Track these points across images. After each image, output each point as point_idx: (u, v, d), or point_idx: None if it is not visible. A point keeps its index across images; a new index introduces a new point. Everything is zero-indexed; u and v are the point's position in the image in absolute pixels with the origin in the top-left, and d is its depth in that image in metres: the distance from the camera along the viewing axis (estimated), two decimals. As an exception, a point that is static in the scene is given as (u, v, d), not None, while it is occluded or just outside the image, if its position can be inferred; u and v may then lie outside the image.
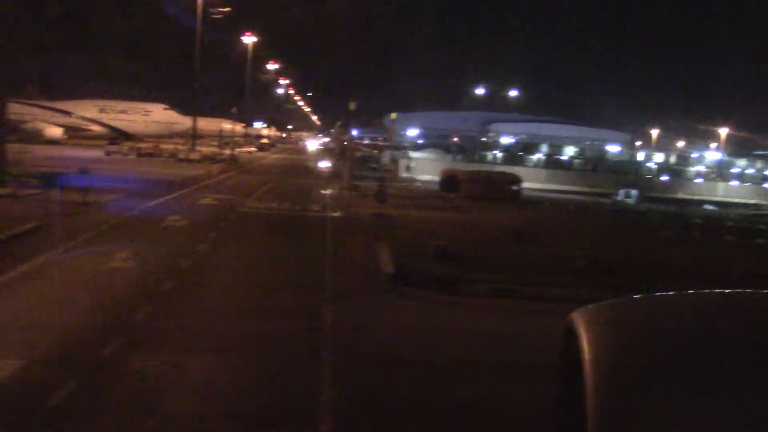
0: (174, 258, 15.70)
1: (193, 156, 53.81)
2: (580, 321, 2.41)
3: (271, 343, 10.45)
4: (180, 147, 60.74)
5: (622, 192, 41.36)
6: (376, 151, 76.76)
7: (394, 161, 57.55)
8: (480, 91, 76.42)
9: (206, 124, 76.54)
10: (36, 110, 71.10)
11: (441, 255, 17.97)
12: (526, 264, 18.00)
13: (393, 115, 50.73)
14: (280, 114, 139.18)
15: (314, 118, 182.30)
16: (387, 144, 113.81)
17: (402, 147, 62.92)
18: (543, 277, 16.48)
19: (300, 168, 56.85)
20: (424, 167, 51.92)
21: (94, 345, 9.51)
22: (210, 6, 58.78)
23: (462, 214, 27.96)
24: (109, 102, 73.99)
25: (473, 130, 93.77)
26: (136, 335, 10.21)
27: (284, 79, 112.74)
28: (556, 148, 75.10)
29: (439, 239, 19.43)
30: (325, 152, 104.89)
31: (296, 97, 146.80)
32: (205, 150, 59.90)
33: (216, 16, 63.00)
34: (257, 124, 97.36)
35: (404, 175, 50.71)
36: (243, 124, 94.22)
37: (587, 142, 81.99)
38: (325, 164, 52.50)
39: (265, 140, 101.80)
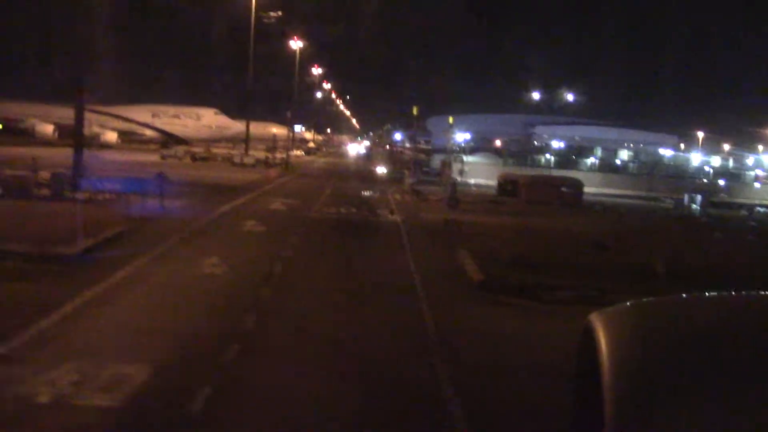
0: (263, 264, 15.84)
1: (248, 160, 54.40)
2: (598, 322, 2.42)
3: (382, 350, 10.48)
4: (233, 151, 61.44)
5: (686, 197, 40.64)
6: (423, 155, 76.77)
7: (446, 165, 57.37)
8: (535, 95, 75.62)
9: (254, 128, 77.40)
10: (91, 115, 72.65)
11: (519, 262, 17.86)
12: (606, 271, 17.75)
13: (450, 119, 50.53)
14: (320, 117, 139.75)
15: (353, 121, 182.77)
16: (432, 147, 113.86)
17: (453, 150, 62.65)
18: (624, 284, 16.26)
19: (352, 172, 57.00)
20: (477, 171, 51.72)
21: (214, 351, 9.62)
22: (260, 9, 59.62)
23: (528, 219, 27.73)
24: (161, 107, 75.13)
25: (517, 134, 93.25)
26: (251, 342, 10.31)
27: (326, 83, 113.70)
28: (609, 152, 74.26)
29: (513, 245, 19.34)
30: (373, 155, 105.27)
31: (337, 101, 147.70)
32: (258, 154, 60.38)
33: (267, 21, 63.82)
34: (297, 128, 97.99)
35: (458, 178, 50.55)
36: (288, 128, 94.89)
37: (640, 145, 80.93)
38: (381, 168, 52.50)
39: (311, 144, 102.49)
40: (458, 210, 27.50)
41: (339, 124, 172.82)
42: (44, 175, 25.59)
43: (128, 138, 71.75)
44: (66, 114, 71.50)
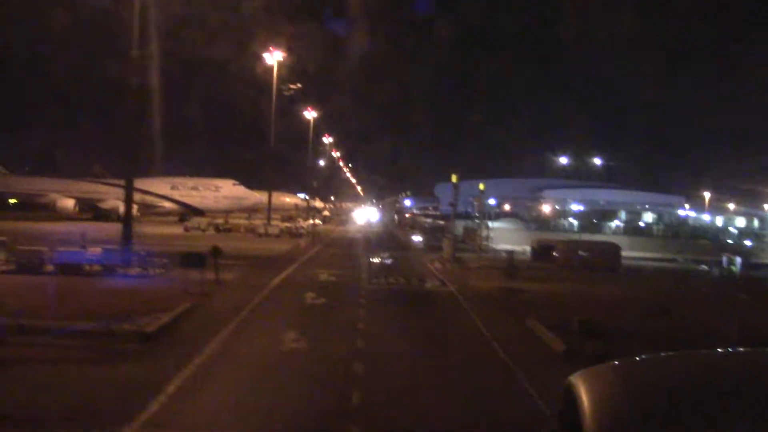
0: (341, 338, 15.65)
1: (272, 230, 54.44)
2: (580, 383, 2.49)
3: (498, 424, 10.32)
4: (255, 221, 61.61)
5: (725, 258, 40.41)
6: (443, 222, 76.86)
7: (470, 231, 57.36)
8: (563, 160, 76.27)
9: (266, 197, 77.99)
10: (110, 189, 73.27)
11: (589, 330, 17.60)
12: (676, 337, 17.50)
13: (481, 186, 50.63)
14: (330, 185, 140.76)
15: (358, 188, 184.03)
16: (440, 213, 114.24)
17: (474, 216, 62.67)
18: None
19: (377, 240, 56.89)
20: (502, 237, 51.61)
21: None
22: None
23: (576, 286, 27.54)
24: (180, 179, 75.75)
25: (525, 197, 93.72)
26: (365, 421, 10.07)
27: (335, 151, 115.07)
28: (634, 215, 74.45)
29: (576, 313, 19.09)
30: (386, 222, 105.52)
31: (345, 169, 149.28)
32: (279, 224, 60.56)
33: (287, 93, 64.95)
34: (300, 196, 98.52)
35: (483, 244, 50.46)
36: (301, 197, 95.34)
37: (658, 207, 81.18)
38: (416, 237, 52.38)
39: (326, 212, 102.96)
40: (512, 278, 27.32)
41: (342, 191, 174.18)
42: (93, 250, 25.51)
43: (147, 210, 72.06)
44: (83, 188, 72.54)
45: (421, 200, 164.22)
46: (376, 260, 31.97)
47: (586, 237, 51.73)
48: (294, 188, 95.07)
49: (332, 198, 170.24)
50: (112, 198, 71.58)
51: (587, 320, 18.13)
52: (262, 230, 54.40)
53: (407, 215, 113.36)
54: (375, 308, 20.14)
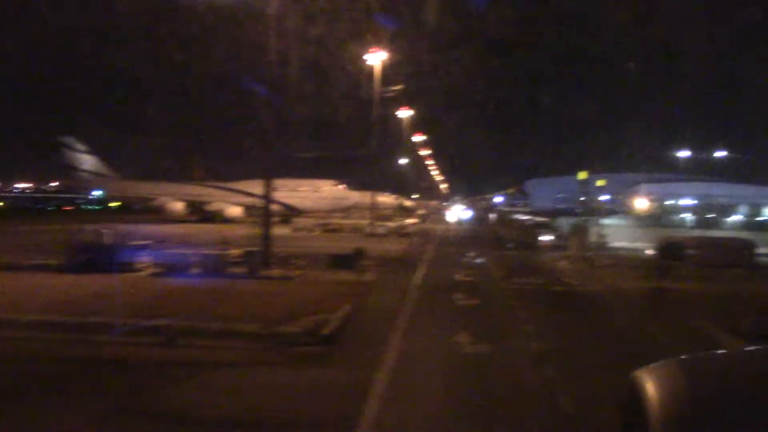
0: (515, 340, 15.29)
1: (379, 230, 54.58)
2: (646, 378, 2.51)
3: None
4: (359, 222, 62.00)
5: None
6: (544, 219, 75.47)
7: (577, 228, 55.95)
8: (684, 153, 73.73)
9: (363, 197, 78.47)
10: (215, 191, 75.40)
11: (762, 331, 16.64)
12: None
13: (601, 182, 49.22)
14: (419, 183, 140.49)
15: (442, 186, 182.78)
16: (531, 210, 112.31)
17: (581, 213, 61.11)
18: None
19: (485, 238, 56.31)
20: (618, 234, 50.06)
21: None
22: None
23: (723, 284, 26.28)
24: (281, 180, 76.86)
25: (623, 193, 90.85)
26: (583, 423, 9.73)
27: (424, 150, 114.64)
28: (754, 209, 71.06)
29: (743, 316, 18.12)
30: (479, 219, 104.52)
31: (432, 167, 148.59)
32: (386, 224, 60.71)
33: (389, 95, 64.98)
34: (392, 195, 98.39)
35: (600, 242, 49.08)
36: (395, 196, 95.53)
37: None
38: (546, 237, 51.33)
39: (422, 211, 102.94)
40: (654, 277, 26.35)
41: (426, 189, 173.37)
42: (233, 252, 26.02)
43: (251, 212, 73.67)
44: (189, 191, 74.82)
45: (509, 197, 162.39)
46: (500, 260, 31.49)
47: (706, 233, 49.66)
48: (382, 187, 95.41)
49: (415, 196, 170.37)
50: (218, 200, 73.76)
51: (762, 321, 17.20)
52: (368, 230, 54.62)
53: (499, 213, 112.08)
54: (530, 309, 19.66)
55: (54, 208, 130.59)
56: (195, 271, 24.42)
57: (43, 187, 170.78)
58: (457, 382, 12.00)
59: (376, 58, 56.94)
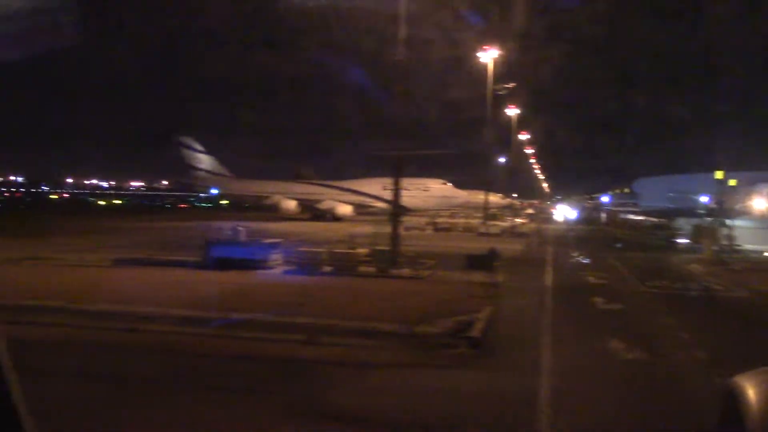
0: (673, 347, 14.63)
1: (493, 230, 53.73)
2: (747, 384, 2.47)
3: None
4: (471, 221, 61.38)
5: None
6: (662, 220, 72.59)
7: (705, 230, 53.38)
8: None
9: (469, 196, 77.71)
10: (324, 189, 76.63)
11: None
12: None
13: (719, 174, 46.71)
14: (525, 181, 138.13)
15: (544, 185, 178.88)
16: (641, 210, 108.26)
17: (706, 214, 58.32)
18: None
19: (604, 240, 54.62)
20: (748, 236, 47.39)
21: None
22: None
23: None
24: (390, 179, 77.26)
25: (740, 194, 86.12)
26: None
27: (529, 148, 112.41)
28: None
29: None
30: (588, 218, 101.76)
31: (534, 166, 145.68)
32: (499, 223, 59.84)
33: (502, 93, 64.07)
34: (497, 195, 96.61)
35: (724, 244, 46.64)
36: (501, 195, 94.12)
37: None
38: (679, 239, 49.27)
39: (530, 210, 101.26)
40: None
41: (528, 188, 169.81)
42: (361, 251, 26.18)
43: (362, 210, 74.46)
44: (301, 189, 76.29)
45: (617, 197, 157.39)
46: (626, 261, 30.38)
47: None
48: (489, 186, 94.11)
49: (514, 195, 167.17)
50: (328, 199, 74.90)
51: None
52: (482, 229, 53.87)
53: (609, 213, 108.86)
54: (679, 315, 18.81)
55: (168, 205, 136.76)
56: (326, 269, 24.75)
57: (155, 185, 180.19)
58: (627, 392, 11.50)
59: (488, 56, 56.19)
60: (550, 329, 16.03)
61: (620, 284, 24.85)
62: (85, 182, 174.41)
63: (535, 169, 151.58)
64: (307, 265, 24.79)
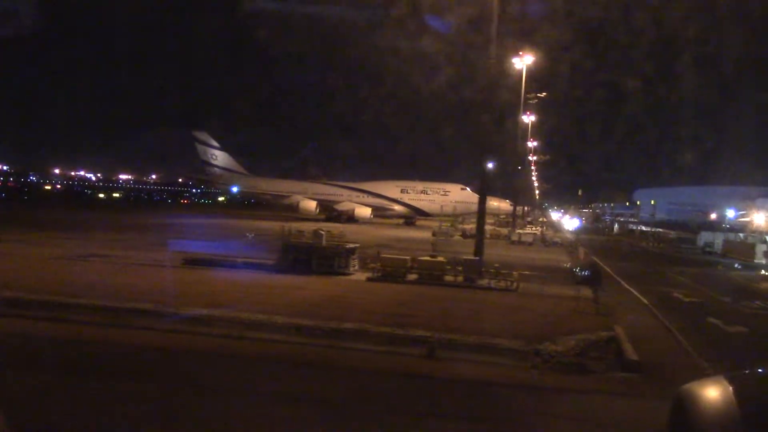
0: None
1: (525, 238, 52.91)
2: (695, 394, 2.56)
3: None
4: (499, 228, 60.70)
5: None
6: (683, 233, 72.53)
7: (736, 244, 53.21)
8: None
9: (488, 202, 77.06)
10: (342, 191, 75.71)
11: None
12: None
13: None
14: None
15: (536, 193, 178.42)
16: (639, 220, 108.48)
17: (733, 229, 58.35)
18: None
19: (623, 249, 54.05)
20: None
21: None
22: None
23: None
24: (409, 183, 76.73)
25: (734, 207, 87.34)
26: None
27: (532, 156, 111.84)
28: None
29: None
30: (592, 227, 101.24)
31: (534, 175, 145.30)
32: (528, 230, 59.26)
33: (532, 102, 63.61)
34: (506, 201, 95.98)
35: (762, 260, 46.44)
36: (508, 202, 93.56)
37: None
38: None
39: (543, 218, 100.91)
40: None
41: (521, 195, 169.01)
42: (440, 259, 25.37)
43: (379, 213, 73.73)
44: (319, 190, 75.39)
45: (615, 208, 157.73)
46: (692, 277, 29.87)
47: None
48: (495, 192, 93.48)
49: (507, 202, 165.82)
50: (346, 200, 74.07)
51: None
52: (515, 237, 53.02)
53: (620, 223, 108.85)
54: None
55: (170, 200, 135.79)
56: (410, 277, 23.98)
57: (144, 178, 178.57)
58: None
59: (521, 62, 55.56)
60: (695, 353, 15.32)
61: (716, 304, 24.17)
62: (72, 173, 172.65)
63: (532, 176, 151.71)
64: (391, 272, 23.96)
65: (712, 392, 2.54)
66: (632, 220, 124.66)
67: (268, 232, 38.53)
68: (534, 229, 67.17)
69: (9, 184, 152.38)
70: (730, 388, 2.56)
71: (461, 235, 56.76)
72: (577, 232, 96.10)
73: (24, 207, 73.90)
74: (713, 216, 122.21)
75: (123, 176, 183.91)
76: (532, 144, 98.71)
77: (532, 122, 74.38)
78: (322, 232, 24.71)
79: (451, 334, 15.51)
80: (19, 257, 25.17)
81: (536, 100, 62.24)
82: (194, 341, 14.36)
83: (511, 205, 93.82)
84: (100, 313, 16.21)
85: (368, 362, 13.62)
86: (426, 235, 52.85)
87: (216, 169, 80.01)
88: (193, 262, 25.47)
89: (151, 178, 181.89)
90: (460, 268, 24.26)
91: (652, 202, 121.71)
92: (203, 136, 79.91)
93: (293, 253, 24.59)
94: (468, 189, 76.37)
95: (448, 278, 24.01)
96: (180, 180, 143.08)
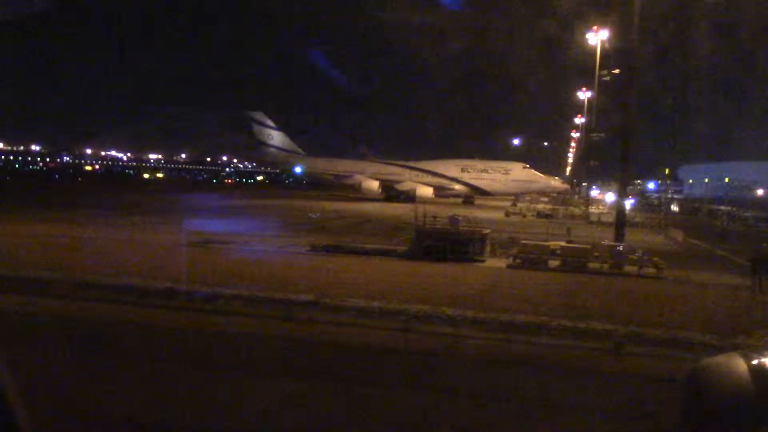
0: None
1: (605, 218, 51.35)
2: (709, 369, 2.55)
3: None
4: (574, 208, 59.49)
5: None
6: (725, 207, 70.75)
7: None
8: None
9: (548, 180, 76.01)
10: (402, 170, 74.75)
11: None
12: None
13: None
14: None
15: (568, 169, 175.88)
16: (684, 197, 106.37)
17: None
18: None
19: (699, 228, 52.62)
20: None
21: None
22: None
23: None
24: (469, 161, 75.65)
25: None
26: None
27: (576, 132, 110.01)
28: None
29: None
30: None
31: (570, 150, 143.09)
32: (598, 209, 57.92)
33: (605, 79, 61.91)
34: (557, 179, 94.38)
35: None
36: (559, 179, 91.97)
37: None
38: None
39: (600, 196, 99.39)
40: None
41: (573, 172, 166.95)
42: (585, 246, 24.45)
43: (439, 193, 72.73)
44: (377, 169, 74.55)
45: (660, 185, 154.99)
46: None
47: None
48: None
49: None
50: (407, 179, 73.14)
51: None
52: (594, 218, 51.66)
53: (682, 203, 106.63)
54: None
55: (215, 180, 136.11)
56: (552, 264, 23.15)
57: (174, 157, 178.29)
58: None
59: (597, 38, 53.93)
60: None
61: None
62: (103, 153, 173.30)
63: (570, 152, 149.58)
64: (533, 260, 23.14)
65: (727, 368, 2.50)
66: (676, 196, 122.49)
67: (352, 215, 37.88)
68: (599, 207, 65.68)
69: (49, 164, 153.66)
70: (745, 364, 2.51)
71: (536, 215, 55.65)
72: (634, 210, 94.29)
73: (81, 189, 73.98)
74: (760, 192, 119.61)
75: (152, 155, 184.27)
76: (582, 120, 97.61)
77: (589, 98, 73.05)
78: (459, 218, 23.92)
79: (637, 327, 14.91)
80: (141, 245, 24.79)
81: (608, 77, 60.43)
82: (369, 335, 13.99)
83: (563, 183, 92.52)
84: (269, 305, 15.83)
85: (562, 357, 13.19)
86: (492, 215, 51.56)
87: (272, 149, 79.48)
88: (323, 249, 24.84)
89: (181, 157, 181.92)
90: (605, 255, 23.27)
91: (706, 180, 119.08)
92: (259, 116, 79.27)
93: (428, 239, 23.79)
94: (529, 167, 75.12)
95: (594, 265, 23.06)
96: (208, 159, 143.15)
